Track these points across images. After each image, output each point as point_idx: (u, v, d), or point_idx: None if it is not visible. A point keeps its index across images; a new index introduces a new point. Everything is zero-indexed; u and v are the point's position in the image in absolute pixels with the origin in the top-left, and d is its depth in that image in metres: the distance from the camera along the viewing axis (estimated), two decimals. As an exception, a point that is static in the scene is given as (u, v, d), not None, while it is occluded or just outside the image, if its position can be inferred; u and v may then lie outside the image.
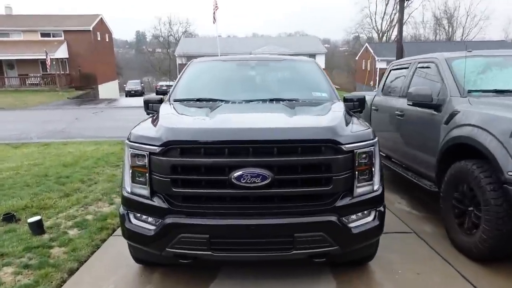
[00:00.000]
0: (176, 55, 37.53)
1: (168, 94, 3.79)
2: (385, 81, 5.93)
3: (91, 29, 34.90)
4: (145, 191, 2.48)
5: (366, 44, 42.43)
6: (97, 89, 35.12)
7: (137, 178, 2.53)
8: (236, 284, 2.89)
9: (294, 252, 2.35)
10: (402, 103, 4.88)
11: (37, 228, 3.71)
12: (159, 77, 70.09)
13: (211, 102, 3.42)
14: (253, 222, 2.31)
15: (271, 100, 3.38)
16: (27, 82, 32.33)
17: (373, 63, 38.96)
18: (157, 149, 2.37)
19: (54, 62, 30.31)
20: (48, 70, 30.10)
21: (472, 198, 3.23)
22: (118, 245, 3.60)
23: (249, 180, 2.25)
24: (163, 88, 37.33)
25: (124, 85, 46.25)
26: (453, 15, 57.46)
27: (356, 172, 2.45)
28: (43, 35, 34.02)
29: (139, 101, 28.54)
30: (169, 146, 2.34)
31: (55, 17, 36.14)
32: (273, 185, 2.29)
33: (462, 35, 57.27)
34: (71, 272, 3.09)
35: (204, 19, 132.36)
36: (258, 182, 2.26)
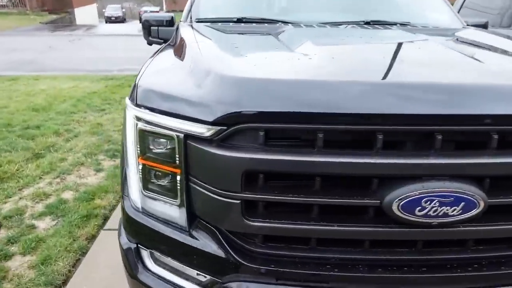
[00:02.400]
0: (161, -24, 33.41)
1: (185, 12, 2.28)
2: (460, 8, 4.41)
3: None
4: (176, 213, 1.16)
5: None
6: (73, 13, 31.47)
7: (155, 181, 1.19)
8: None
9: None
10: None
11: (-13, 221, 2.42)
12: (141, 3, 64.51)
13: (265, 24, 1.97)
14: None
15: (369, 23, 1.96)
16: (-9, 4, 28.61)
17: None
18: (207, 131, 0.99)
19: (21, -20, 26.52)
20: (15, -11, 26.45)
21: None
22: (114, 248, 2.36)
23: (435, 211, 0.94)
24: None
25: (103, 10, 42.16)
26: None
27: None
28: None
29: (121, 28, 25.98)
30: (240, 126, 0.97)
31: None
32: (483, 220, 1.00)
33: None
34: (41, 313, 1.87)
35: None
36: (455, 215, 0.95)
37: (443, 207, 0.94)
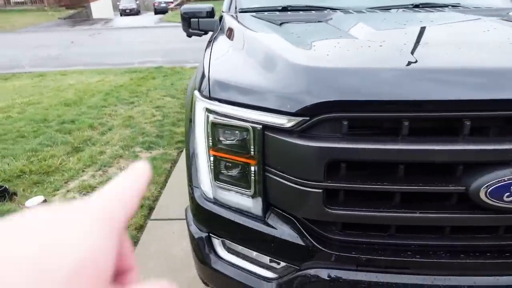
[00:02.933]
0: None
1: (227, 1, 2.28)
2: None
3: None
4: (250, 203, 1.19)
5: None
6: (90, 7, 31.78)
7: (227, 173, 1.21)
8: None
9: None
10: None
11: (41, 213, 2.51)
12: (154, -7, 64.61)
13: (313, 11, 1.96)
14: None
15: (417, 6, 1.92)
16: (11, 1, 29.14)
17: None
18: (288, 122, 1.01)
19: (38, -23, 26.92)
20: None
21: None
22: (164, 237, 2.44)
23: (519, 196, 0.94)
24: (162, 5, 33.82)
25: (118, 3, 42.34)
26: None
27: None
28: None
29: (137, 20, 26.07)
30: (323, 116, 0.98)
31: None
32: None
33: None
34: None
35: None
36: (541, 201, 0.94)
37: (529, 193, 0.93)
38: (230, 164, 1.21)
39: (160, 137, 4.12)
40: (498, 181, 0.93)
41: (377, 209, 1.03)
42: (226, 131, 1.17)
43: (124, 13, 36.82)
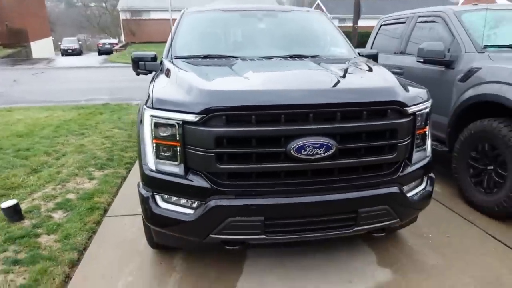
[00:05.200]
0: (119, 9, 34.22)
1: (166, 51, 3.20)
2: (375, 37, 5.69)
3: (15, -23, 30.45)
4: (177, 169, 2.05)
5: (318, 0, 41.82)
6: (30, 47, 31.34)
7: (163, 153, 2.07)
8: (270, 258, 2.62)
9: (356, 228, 2.10)
10: (400, 60, 4.71)
11: (14, 213, 3.11)
12: (95, 34, 64.26)
13: (223, 59, 2.94)
14: (314, 199, 2.00)
15: (291, 57, 2.98)
16: None
17: (324, 20, 38.73)
18: (195, 118, 1.91)
19: (-27, 16, 26.31)
20: (-33, 24, 26.14)
21: (495, 157, 3.18)
22: (116, 228, 3.14)
23: (311, 152, 1.91)
24: (106, 46, 34.28)
25: (59, 43, 41.87)
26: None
27: (415, 137, 2.21)
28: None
29: (80, 61, 26.23)
30: (212, 114, 1.89)
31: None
32: (335, 156, 1.97)
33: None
34: (73, 265, 2.62)
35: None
36: (321, 153, 1.92)
37: (315, 150, 1.91)
38: (165, 148, 2.07)
39: (110, 160, 4.80)
40: (299, 143, 1.89)
41: (244, 164, 1.95)
42: (162, 127, 2.04)
43: (66, 53, 36.45)
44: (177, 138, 1.99)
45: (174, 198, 2.10)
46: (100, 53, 34.02)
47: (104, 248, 2.83)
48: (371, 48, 5.65)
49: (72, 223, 3.13)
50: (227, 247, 2.11)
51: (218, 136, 1.90)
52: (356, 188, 2.06)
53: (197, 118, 1.91)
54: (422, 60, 3.92)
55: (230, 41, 3.33)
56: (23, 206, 3.36)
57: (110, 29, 59.00)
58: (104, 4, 60.16)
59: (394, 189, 2.12)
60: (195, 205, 2.05)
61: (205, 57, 3.00)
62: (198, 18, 3.61)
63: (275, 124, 1.92)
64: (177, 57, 3.04)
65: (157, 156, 2.09)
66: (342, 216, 2.08)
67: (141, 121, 2.18)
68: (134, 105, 8.92)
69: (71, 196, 3.67)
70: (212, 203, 1.97)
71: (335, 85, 2.15)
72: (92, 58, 28.65)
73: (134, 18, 33.19)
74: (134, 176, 4.31)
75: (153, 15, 33.48)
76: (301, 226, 2.06)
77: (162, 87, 2.28)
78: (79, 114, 7.82)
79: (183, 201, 2.08)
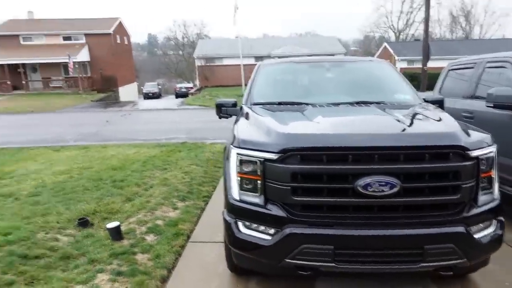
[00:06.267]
0: (195, 57, 37.59)
1: (245, 98, 3.71)
2: (443, 81, 5.76)
3: (111, 32, 35.34)
4: (258, 199, 2.41)
5: (385, 43, 41.81)
6: (118, 91, 35.51)
7: (246, 185, 2.46)
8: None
9: (422, 264, 2.24)
10: (469, 104, 4.74)
11: (116, 233, 3.69)
12: (171, 79, 70.59)
13: (295, 105, 3.34)
14: (382, 233, 2.21)
15: (357, 103, 3.28)
16: (50, 85, 32.95)
17: (393, 62, 38.40)
18: (274, 156, 2.29)
19: (76, 65, 30.79)
20: (70, 73, 30.59)
21: None
22: (198, 252, 3.56)
23: (377, 189, 2.16)
24: (183, 90, 37.47)
25: (142, 87, 46.53)
26: (470, 12, 56.45)
27: (480, 180, 2.33)
28: (65, 38, 34.57)
29: (160, 103, 28.79)
30: (289, 153, 2.26)
31: (76, 21, 36.66)
32: (400, 194, 2.19)
33: (480, 33, 56.22)
34: (164, 280, 3.05)
35: (212, 21, 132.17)
36: (386, 191, 2.16)
37: (381, 187, 2.15)
38: (248, 181, 2.46)
39: (190, 193, 5.37)
40: (365, 182, 2.16)
41: (315, 197, 2.25)
42: (246, 164, 2.44)
43: (147, 96, 40.19)
44: (258, 173, 2.37)
45: (254, 225, 2.45)
46: (177, 96, 37.19)
47: (189, 268, 3.24)
48: (439, 92, 5.72)
49: (161, 245, 3.61)
50: (300, 272, 2.37)
51: (294, 172, 2.24)
52: (422, 225, 2.23)
53: (276, 157, 2.28)
54: (491, 105, 3.96)
55: (301, 90, 3.75)
56: (122, 228, 3.95)
57: (186, 74, 64.57)
58: (181, 52, 66.54)
59: (460, 229, 2.24)
60: (272, 231, 2.38)
61: (279, 103, 3.43)
62: (273, 69, 4.12)
63: (344, 163, 2.21)
64: (254, 104, 3.51)
65: (241, 188, 2.48)
66: (409, 251, 2.24)
67: (228, 158, 2.61)
68: (209, 144, 9.70)
69: (159, 222, 4.22)
70: (288, 230, 2.28)
71: (398, 129, 2.41)
72: (170, 101, 31.38)
73: (208, 64, 36.11)
74: (212, 208, 4.80)
75: (225, 61, 36.15)
76: (368, 258, 2.26)
77: (245, 130, 2.71)
78: (161, 151, 8.73)
79: (261, 227, 2.42)
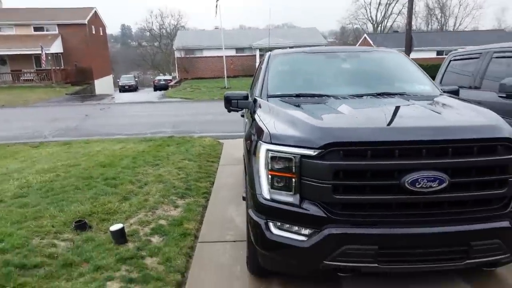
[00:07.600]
0: (175, 48, 36.58)
1: (259, 90, 3.49)
2: (444, 72, 5.73)
3: (86, 22, 33.87)
4: (292, 199, 2.22)
5: (365, 35, 42.21)
6: (93, 84, 34.21)
7: (278, 184, 2.26)
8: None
9: (467, 261, 2.13)
10: (476, 95, 4.70)
11: (120, 236, 3.42)
12: (146, 71, 68.87)
13: (315, 97, 3.15)
14: (427, 231, 2.07)
15: (380, 95, 3.13)
16: (20, 78, 31.36)
17: (371, 54, 38.81)
18: (313, 152, 2.10)
19: (49, 57, 29.44)
20: (43, 65, 29.22)
21: None
22: (210, 253, 3.35)
23: (425, 185, 2.01)
24: (161, 82, 36.58)
25: (118, 80, 45.09)
26: (445, 4, 57.89)
27: None
28: (36, 29, 32.91)
29: (139, 96, 27.91)
30: (330, 149, 2.07)
31: (49, 10, 34.90)
32: (447, 190, 2.05)
33: (454, 25, 57.77)
34: (179, 285, 2.83)
35: (188, 12, 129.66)
36: (434, 187, 2.02)
37: (429, 183, 2.01)
38: (280, 179, 2.26)
39: (189, 190, 5.11)
40: (413, 177, 2.00)
41: (359, 195, 2.08)
42: (278, 160, 2.24)
43: (123, 89, 39.00)
44: (293, 170, 2.18)
45: (286, 225, 2.26)
46: (156, 89, 36.28)
47: (204, 271, 3.03)
48: (441, 82, 5.68)
49: (169, 247, 3.37)
50: (339, 274, 2.21)
51: (336, 169, 2.06)
52: (468, 221, 2.11)
53: (316, 153, 2.09)
54: (505, 95, 3.91)
55: (319, 81, 3.55)
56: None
57: (162, 66, 63.22)
58: (157, 43, 65.05)
59: (506, 224, 2.13)
60: (307, 232, 2.20)
61: (297, 96, 3.23)
62: (285, 60, 3.91)
63: (390, 159, 2.05)
64: (270, 96, 3.30)
65: (272, 186, 2.28)
66: (454, 248, 2.12)
67: (254, 153, 2.40)
68: (197, 138, 9.39)
69: (162, 222, 3.96)
70: (328, 231, 2.10)
71: (444, 122, 2.27)
72: (149, 94, 30.59)
73: (187, 56, 35.27)
74: (213, 205, 4.57)
75: (206, 53, 35.39)
76: (413, 257, 2.13)
77: (274, 124, 2.49)
78: (149, 146, 8.37)
79: (295, 228, 2.23)
